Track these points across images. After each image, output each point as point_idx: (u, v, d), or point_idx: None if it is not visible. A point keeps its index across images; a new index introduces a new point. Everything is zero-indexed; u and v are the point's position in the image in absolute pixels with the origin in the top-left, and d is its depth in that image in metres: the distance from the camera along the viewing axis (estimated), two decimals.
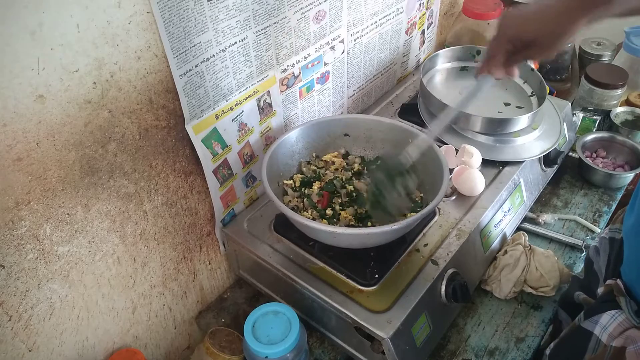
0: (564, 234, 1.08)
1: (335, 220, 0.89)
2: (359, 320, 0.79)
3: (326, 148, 1.01)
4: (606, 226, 0.86)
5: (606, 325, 0.70)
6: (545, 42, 0.71)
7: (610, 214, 1.14)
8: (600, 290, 0.77)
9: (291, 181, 0.95)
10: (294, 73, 0.96)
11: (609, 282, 0.74)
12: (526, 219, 1.10)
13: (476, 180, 0.97)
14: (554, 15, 0.69)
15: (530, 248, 0.97)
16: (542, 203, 1.15)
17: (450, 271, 0.87)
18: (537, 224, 1.10)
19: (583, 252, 1.05)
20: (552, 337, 0.84)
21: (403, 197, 0.81)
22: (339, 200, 0.92)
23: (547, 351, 0.81)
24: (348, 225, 0.88)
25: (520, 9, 0.74)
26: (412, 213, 0.87)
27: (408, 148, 0.83)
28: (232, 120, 0.88)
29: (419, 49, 1.35)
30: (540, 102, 1.10)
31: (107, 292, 0.81)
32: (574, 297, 0.87)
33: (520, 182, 1.05)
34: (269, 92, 0.93)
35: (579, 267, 1.02)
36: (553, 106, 1.16)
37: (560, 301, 0.95)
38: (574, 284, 0.92)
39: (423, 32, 1.33)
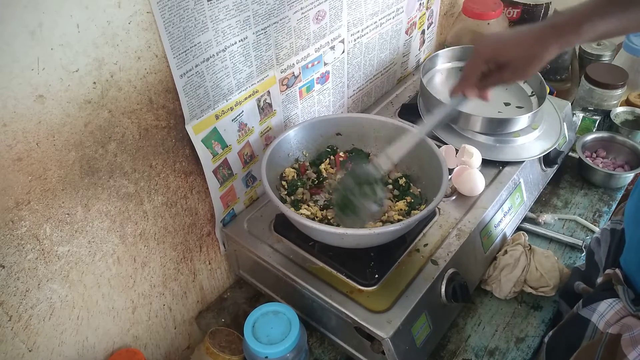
0: (564, 234, 1.08)
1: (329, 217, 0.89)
2: (359, 320, 0.79)
3: (319, 148, 1.00)
4: (608, 219, 0.87)
5: (603, 313, 0.71)
6: (519, 65, 0.75)
7: (610, 214, 1.14)
8: (599, 280, 0.78)
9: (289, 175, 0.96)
10: (294, 73, 0.96)
11: (608, 271, 0.76)
12: (526, 219, 1.10)
13: (476, 180, 0.97)
14: (528, 41, 0.74)
15: (530, 248, 0.97)
16: (542, 203, 1.15)
17: (450, 271, 0.87)
18: (537, 224, 1.10)
19: (583, 252, 1.05)
20: (552, 327, 0.85)
21: (371, 205, 0.82)
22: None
23: (546, 339, 0.82)
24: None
25: (498, 34, 0.79)
26: (416, 211, 0.88)
27: (378, 159, 0.83)
28: (232, 120, 0.88)
29: (419, 49, 1.35)
30: (540, 102, 1.10)
31: (107, 292, 0.81)
32: (574, 288, 0.88)
33: (520, 182, 1.05)
34: (269, 92, 0.93)
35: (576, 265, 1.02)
36: (553, 106, 1.16)
37: (561, 292, 0.95)
38: (574, 275, 0.93)
39: (423, 32, 1.33)
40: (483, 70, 0.77)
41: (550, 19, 0.78)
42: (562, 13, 0.73)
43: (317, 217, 0.90)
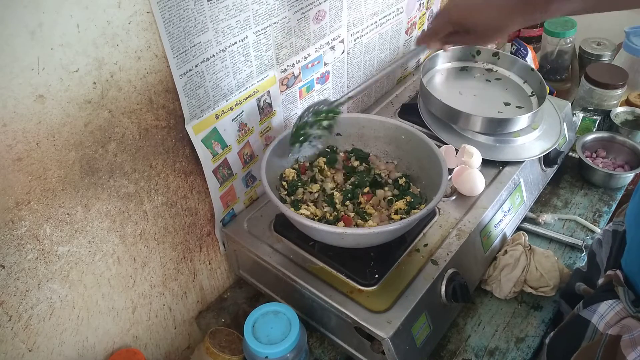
0: (564, 234, 1.08)
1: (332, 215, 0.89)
2: (359, 320, 0.79)
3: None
4: (610, 220, 0.87)
5: (603, 314, 0.71)
6: (483, 32, 0.77)
7: (611, 214, 1.14)
8: (600, 281, 0.78)
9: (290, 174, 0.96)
10: (294, 73, 0.96)
11: (609, 272, 0.76)
12: (526, 219, 1.10)
13: (476, 180, 0.97)
14: (495, 9, 0.75)
15: (530, 248, 0.97)
16: (542, 203, 1.15)
17: (450, 271, 0.87)
18: (537, 224, 1.10)
19: (583, 252, 1.05)
20: (554, 328, 0.85)
21: (321, 130, 0.89)
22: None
23: (547, 340, 0.82)
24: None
25: None
26: (416, 211, 0.88)
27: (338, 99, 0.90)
28: (232, 120, 0.88)
29: None
30: (540, 102, 1.10)
31: (107, 292, 0.81)
32: (575, 288, 0.88)
33: (520, 182, 1.05)
34: (269, 92, 0.93)
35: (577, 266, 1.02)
36: (553, 106, 1.16)
37: (562, 293, 0.95)
38: (576, 276, 0.93)
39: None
40: (449, 30, 0.79)
41: None
42: None
43: (316, 217, 0.89)
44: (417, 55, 0.87)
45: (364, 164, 0.99)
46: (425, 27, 1.29)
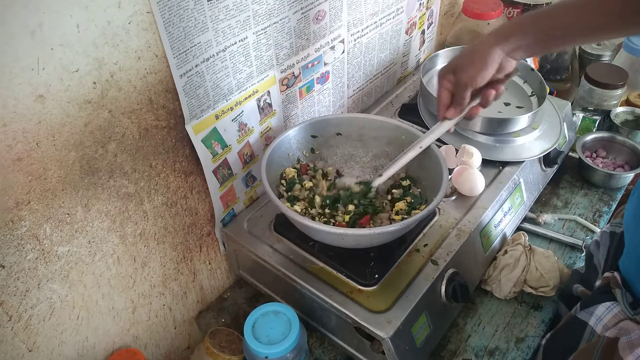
0: (564, 234, 1.08)
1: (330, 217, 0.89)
2: (359, 320, 0.79)
3: (320, 147, 1.00)
4: (608, 221, 0.87)
5: (601, 317, 0.71)
6: (470, 71, 0.80)
7: (610, 214, 1.14)
8: (598, 283, 0.78)
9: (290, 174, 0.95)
10: (294, 73, 0.96)
11: (606, 274, 0.75)
12: (526, 219, 1.10)
13: (476, 180, 0.97)
14: (476, 49, 0.81)
15: (530, 248, 0.97)
16: (542, 203, 1.15)
17: (450, 271, 0.87)
18: (537, 224, 1.10)
19: (583, 252, 1.05)
20: (551, 329, 0.85)
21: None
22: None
23: (543, 341, 0.82)
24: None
25: (457, 56, 0.86)
26: (416, 211, 0.88)
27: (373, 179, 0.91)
28: (232, 120, 0.88)
29: (419, 49, 1.35)
30: (540, 102, 1.10)
31: (107, 292, 0.81)
32: (572, 290, 0.88)
33: (520, 182, 1.05)
34: (269, 92, 0.93)
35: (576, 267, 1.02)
36: (553, 106, 1.16)
37: (560, 294, 0.95)
38: (573, 277, 0.93)
39: (423, 32, 1.33)
40: (448, 87, 0.84)
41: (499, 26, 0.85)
42: (511, 21, 0.82)
43: (309, 214, 0.89)
44: (439, 132, 0.89)
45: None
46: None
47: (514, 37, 0.77)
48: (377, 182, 0.90)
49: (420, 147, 0.89)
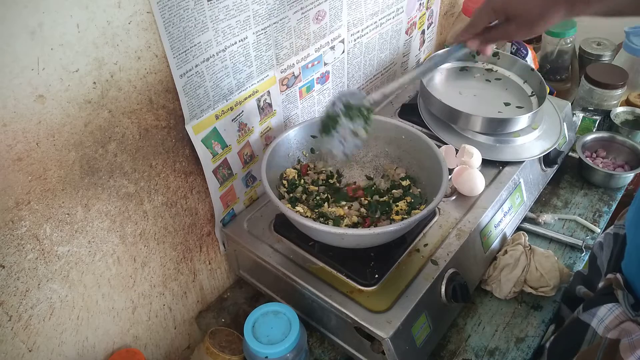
0: (564, 234, 1.08)
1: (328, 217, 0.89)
2: (359, 320, 0.79)
3: (320, 147, 1.00)
4: (612, 224, 0.87)
5: (603, 318, 0.71)
6: (526, 21, 0.75)
7: (610, 214, 1.14)
8: (601, 284, 0.78)
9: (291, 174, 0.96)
10: (294, 73, 0.96)
11: (609, 276, 0.75)
12: (526, 219, 1.10)
13: (476, 180, 0.97)
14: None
15: (530, 248, 0.97)
16: (542, 203, 1.15)
17: (450, 271, 0.87)
18: (537, 224, 1.10)
19: (583, 252, 1.05)
20: (555, 332, 0.85)
21: (356, 128, 0.81)
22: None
23: (547, 344, 0.82)
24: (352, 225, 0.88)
25: None
26: (416, 211, 0.88)
27: (372, 93, 0.82)
28: (232, 120, 0.88)
29: (419, 49, 1.35)
30: (540, 102, 1.10)
31: (107, 292, 0.81)
32: (575, 292, 0.88)
33: (520, 182, 1.05)
34: (269, 92, 0.93)
35: (579, 267, 1.02)
36: (553, 106, 1.16)
37: (563, 296, 0.95)
38: (576, 279, 0.92)
39: (423, 32, 1.33)
40: (491, 20, 0.77)
41: None
42: None
43: (311, 216, 0.89)
44: (454, 55, 0.82)
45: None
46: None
47: (579, 5, 0.72)
48: (372, 97, 0.82)
49: (436, 65, 0.83)
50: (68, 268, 0.73)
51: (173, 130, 0.79)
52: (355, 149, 0.83)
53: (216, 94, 0.82)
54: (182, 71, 0.74)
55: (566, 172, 1.22)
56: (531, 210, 1.12)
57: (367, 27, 1.10)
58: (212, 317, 0.99)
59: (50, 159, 0.65)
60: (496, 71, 1.21)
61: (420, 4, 1.24)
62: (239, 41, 0.81)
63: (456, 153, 1.02)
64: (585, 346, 0.72)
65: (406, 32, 1.25)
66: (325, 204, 0.92)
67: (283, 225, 0.92)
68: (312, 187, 0.94)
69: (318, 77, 1.03)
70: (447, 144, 1.05)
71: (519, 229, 1.07)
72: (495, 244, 0.99)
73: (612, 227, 0.86)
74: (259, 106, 0.92)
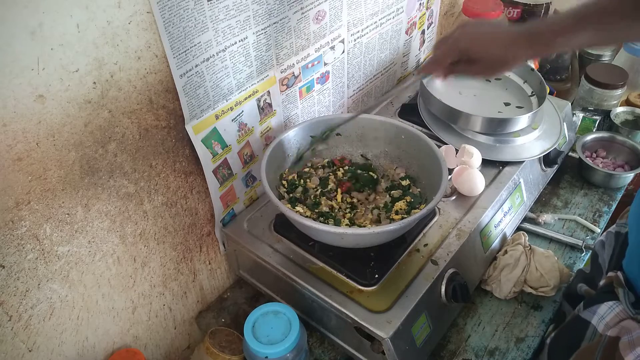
0: (564, 234, 1.08)
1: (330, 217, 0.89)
2: (359, 320, 0.79)
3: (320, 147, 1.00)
4: (613, 223, 0.87)
5: (603, 316, 0.71)
6: (488, 63, 0.77)
7: (611, 214, 1.14)
8: (602, 282, 0.78)
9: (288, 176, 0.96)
10: (294, 73, 0.96)
11: (610, 274, 0.75)
12: (526, 219, 1.10)
13: (476, 180, 0.97)
14: (502, 43, 0.76)
15: (530, 248, 0.97)
16: (542, 203, 1.15)
17: (450, 271, 0.87)
18: (537, 224, 1.10)
19: (583, 252, 1.05)
20: (555, 329, 0.85)
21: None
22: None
23: (548, 340, 0.82)
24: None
25: (479, 24, 0.81)
26: (416, 210, 0.88)
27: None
28: (232, 120, 0.88)
29: (419, 49, 1.35)
30: (540, 102, 1.10)
31: (107, 292, 0.81)
32: (577, 289, 0.88)
33: (520, 182, 1.05)
34: (269, 92, 0.93)
35: (579, 267, 1.02)
36: (553, 106, 1.16)
37: (564, 294, 0.95)
38: (578, 277, 0.93)
39: (423, 32, 1.33)
40: (455, 58, 0.79)
41: (532, 24, 0.79)
42: (543, 21, 0.77)
43: (311, 216, 0.89)
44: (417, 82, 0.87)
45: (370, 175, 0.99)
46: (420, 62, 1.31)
47: (539, 47, 0.74)
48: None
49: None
50: (68, 268, 0.73)
51: (173, 130, 0.79)
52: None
53: (216, 94, 0.82)
54: (182, 71, 0.74)
55: (566, 172, 1.22)
56: (531, 210, 1.12)
57: (367, 27, 1.10)
58: (212, 317, 0.99)
59: (50, 159, 0.65)
60: None
61: (420, 4, 1.24)
62: (239, 41, 0.81)
63: (456, 153, 1.02)
64: (585, 343, 0.73)
65: (406, 32, 1.25)
66: (322, 200, 0.92)
67: (283, 225, 0.92)
68: (310, 184, 0.94)
69: (318, 77, 1.03)
70: (447, 144, 1.05)
71: (519, 229, 1.07)
72: (495, 244, 0.99)
73: (613, 225, 0.86)
74: (259, 106, 0.92)
